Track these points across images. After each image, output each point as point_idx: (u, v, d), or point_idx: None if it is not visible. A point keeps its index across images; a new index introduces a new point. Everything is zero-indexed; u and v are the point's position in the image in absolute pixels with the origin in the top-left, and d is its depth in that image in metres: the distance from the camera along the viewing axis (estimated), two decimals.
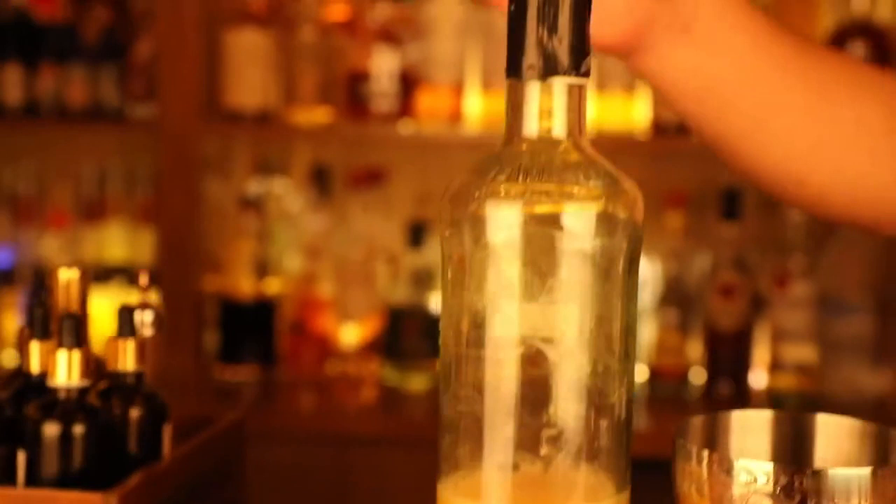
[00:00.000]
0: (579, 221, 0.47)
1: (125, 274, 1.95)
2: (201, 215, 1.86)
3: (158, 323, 0.75)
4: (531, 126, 0.48)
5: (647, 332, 1.80)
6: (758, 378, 1.83)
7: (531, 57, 0.46)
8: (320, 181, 1.92)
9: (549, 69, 0.46)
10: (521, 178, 0.47)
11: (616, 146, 1.82)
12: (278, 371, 1.88)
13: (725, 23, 0.59)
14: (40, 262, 1.95)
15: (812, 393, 1.77)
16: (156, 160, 1.85)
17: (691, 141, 1.77)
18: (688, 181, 1.90)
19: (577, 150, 0.48)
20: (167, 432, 0.75)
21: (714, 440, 0.59)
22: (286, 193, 1.96)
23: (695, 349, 1.82)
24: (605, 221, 0.48)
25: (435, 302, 1.85)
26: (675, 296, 1.81)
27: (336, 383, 1.86)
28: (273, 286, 1.88)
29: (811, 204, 0.70)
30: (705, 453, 0.53)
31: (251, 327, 1.87)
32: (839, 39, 1.75)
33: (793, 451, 0.60)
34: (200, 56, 1.82)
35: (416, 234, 1.85)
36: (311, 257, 1.91)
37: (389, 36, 1.83)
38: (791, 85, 0.65)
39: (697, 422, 0.58)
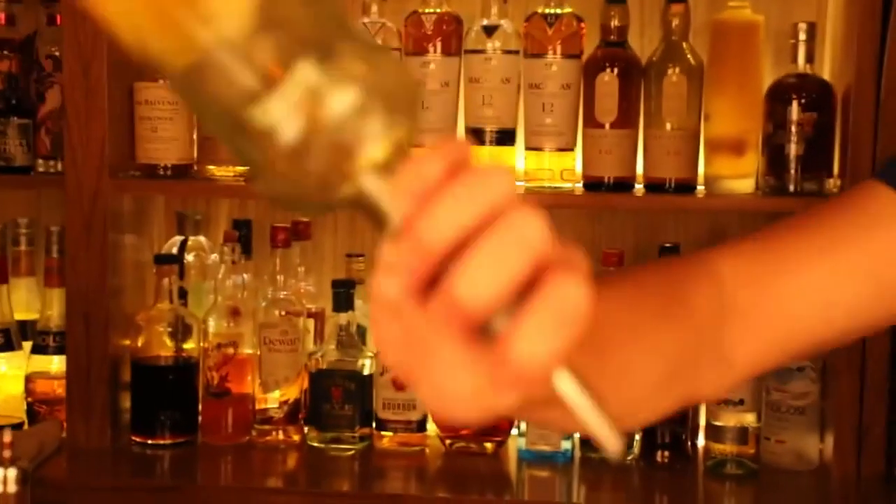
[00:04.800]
0: None
1: (35, 335, 1.85)
2: (113, 274, 1.76)
3: (23, 479, 0.68)
4: None
5: None
6: (698, 443, 1.78)
7: None
8: (241, 238, 1.83)
9: None
10: None
11: (551, 203, 1.76)
12: (198, 437, 1.79)
13: None
14: None
15: (752, 458, 1.71)
16: (64, 218, 1.75)
17: (628, 199, 1.72)
18: (625, 239, 1.85)
19: None
20: None
21: None
22: (206, 250, 1.86)
23: None
24: None
25: (360, 363, 1.77)
26: None
27: (259, 451, 1.77)
28: (192, 348, 1.79)
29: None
30: None
31: (169, 392, 1.78)
32: (780, 94, 1.69)
33: None
34: (110, 110, 1.72)
35: (343, 294, 1.76)
36: (232, 318, 1.81)
37: None
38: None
39: None
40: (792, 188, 1.68)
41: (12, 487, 0.66)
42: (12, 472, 0.65)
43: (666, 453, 1.73)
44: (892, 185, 0.75)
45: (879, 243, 0.74)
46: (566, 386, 0.45)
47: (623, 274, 0.70)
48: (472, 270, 0.43)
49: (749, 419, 1.71)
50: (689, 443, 1.76)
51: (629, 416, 0.65)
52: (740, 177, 1.71)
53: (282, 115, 0.45)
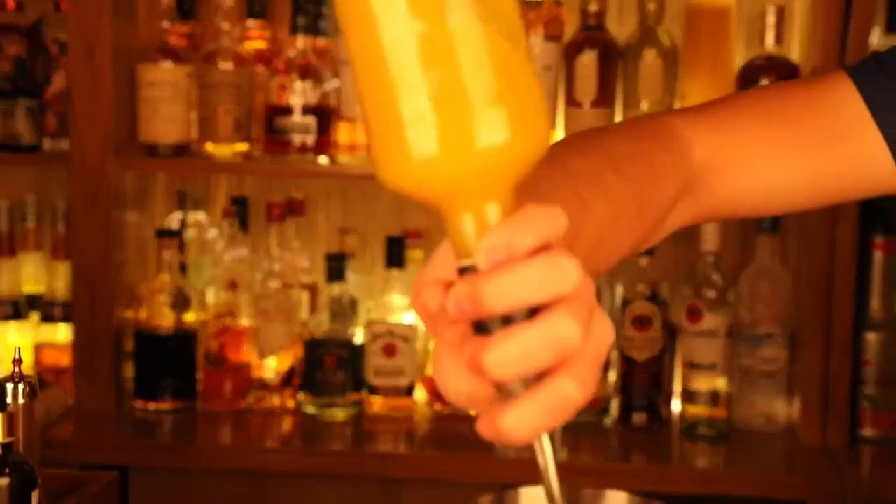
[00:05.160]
0: None
1: (42, 307, 1.94)
2: (117, 248, 1.85)
3: (31, 393, 0.76)
4: None
5: None
6: (672, 406, 1.86)
7: None
8: (239, 214, 1.92)
9: None
10: None
11: None
12: (197, 403, 1.87)
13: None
14: None
15: (723, 420, 1.79)
16: (69, 194, 1.84)
17: None
18: None
19: None
20: (35, 499, 0.75)
21: None
22: (205, 226, 1.95)
23: (610, 378, 1.84)
24: None
25: (352, 332, 1.86)
26: None
27: (256, 416, 1.86)
28: (192, 319, 1.87)
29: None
30: None
31: (170, 360, 1.86)
32: (750, 75, 1.78)
33: None
34: (115, 90, 1.81)
35: (336, 266, 1.85)
36: (230, 290, 1.90)
37: (308, 70, 1.83)
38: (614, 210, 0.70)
39: (486, 500, 0.60)
40: None
41: (22, 400, 0.74)
42: (22, 386, 0.74)
43: (643, 416, 1.81)
44: (862, 90, 0.80)
45: (843, 157, 0.80)
46: (542, 449, 0.51)
47: (604, 156, 0.73)
48: (504, 353, 0.49)
49: (721, 383, 1.80)
50: (665, 406, 1.84)
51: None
52: None
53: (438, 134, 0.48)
